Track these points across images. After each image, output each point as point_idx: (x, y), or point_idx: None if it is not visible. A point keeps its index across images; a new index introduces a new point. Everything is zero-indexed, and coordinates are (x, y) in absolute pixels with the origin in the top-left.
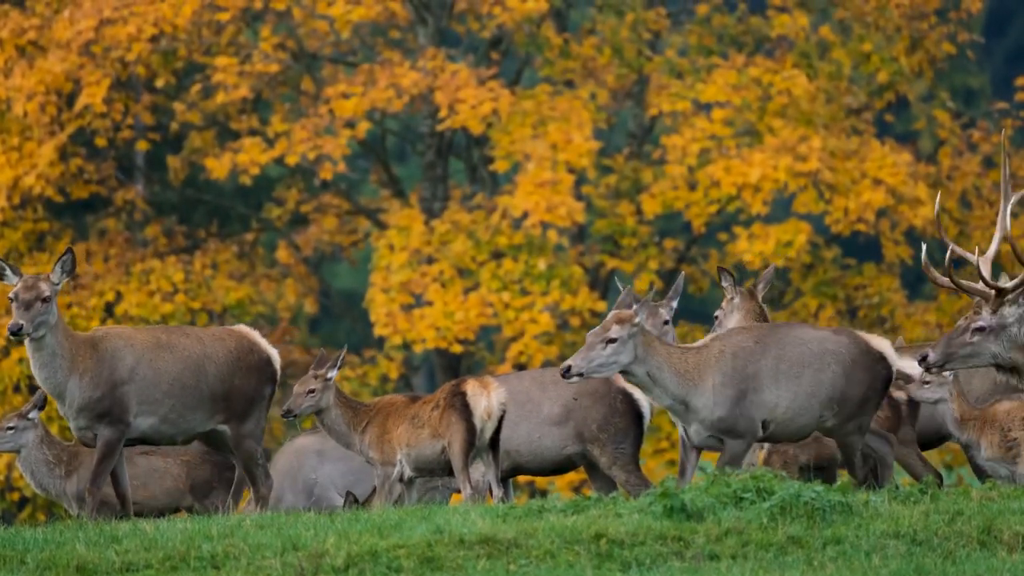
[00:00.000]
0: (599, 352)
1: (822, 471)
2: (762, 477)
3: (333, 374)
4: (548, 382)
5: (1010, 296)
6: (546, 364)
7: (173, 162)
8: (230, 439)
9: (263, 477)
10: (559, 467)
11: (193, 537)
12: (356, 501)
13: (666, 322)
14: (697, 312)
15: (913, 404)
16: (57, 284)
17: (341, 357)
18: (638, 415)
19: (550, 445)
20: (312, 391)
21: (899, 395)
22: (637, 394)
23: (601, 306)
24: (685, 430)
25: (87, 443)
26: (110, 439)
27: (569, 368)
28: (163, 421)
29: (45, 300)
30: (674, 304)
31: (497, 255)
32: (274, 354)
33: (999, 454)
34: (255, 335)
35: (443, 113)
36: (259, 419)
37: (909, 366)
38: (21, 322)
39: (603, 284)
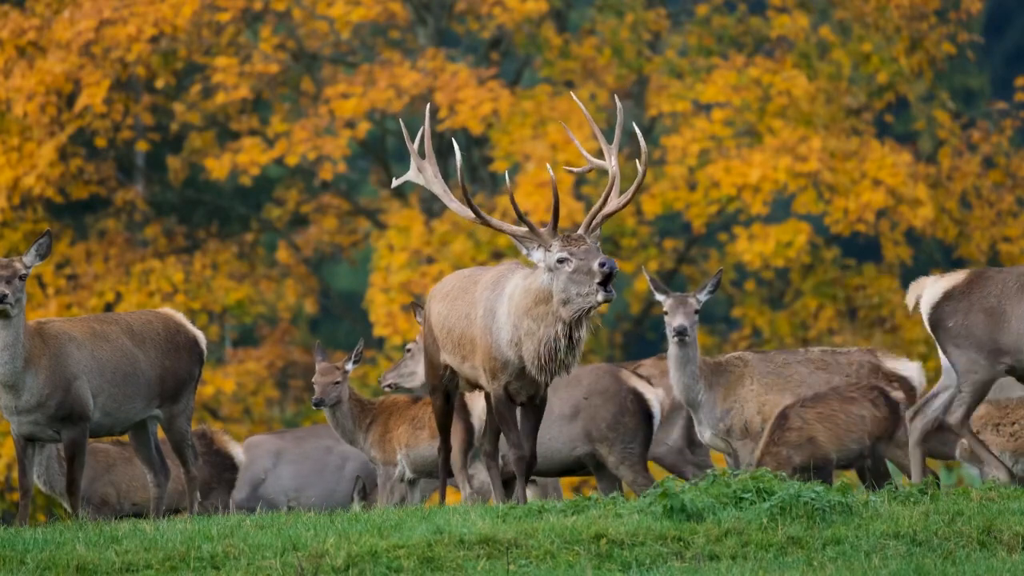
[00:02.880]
0: None
1: (819, 472)
2: (762, 477)
3: (351, 367)
4: (558, 382)
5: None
6: None
7: (173, 162)
8: (163, 421)
9: (193, 458)
10: (567, 468)
11: (193, 537)
12: (364, 489)
13: (696, 311)
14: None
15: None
16: (30, 266)
17: (358, 350)
18: (648, 415)
19: (559, 446)
20: (338, 382)
21: (897, 395)
22: (648, 394)
23: (602, 307)
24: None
25: (33, 439)
26: (76, 439)
27: None
28: (104, 414)
29: (22, 278)
30: (701, 297)
31: (497, 255)
32: (199, 335)
33: (967, 456)
34: (180, 316)
35: (443, 113)
36: (188, 399)
37: (904, 367)
38: (6, 291)
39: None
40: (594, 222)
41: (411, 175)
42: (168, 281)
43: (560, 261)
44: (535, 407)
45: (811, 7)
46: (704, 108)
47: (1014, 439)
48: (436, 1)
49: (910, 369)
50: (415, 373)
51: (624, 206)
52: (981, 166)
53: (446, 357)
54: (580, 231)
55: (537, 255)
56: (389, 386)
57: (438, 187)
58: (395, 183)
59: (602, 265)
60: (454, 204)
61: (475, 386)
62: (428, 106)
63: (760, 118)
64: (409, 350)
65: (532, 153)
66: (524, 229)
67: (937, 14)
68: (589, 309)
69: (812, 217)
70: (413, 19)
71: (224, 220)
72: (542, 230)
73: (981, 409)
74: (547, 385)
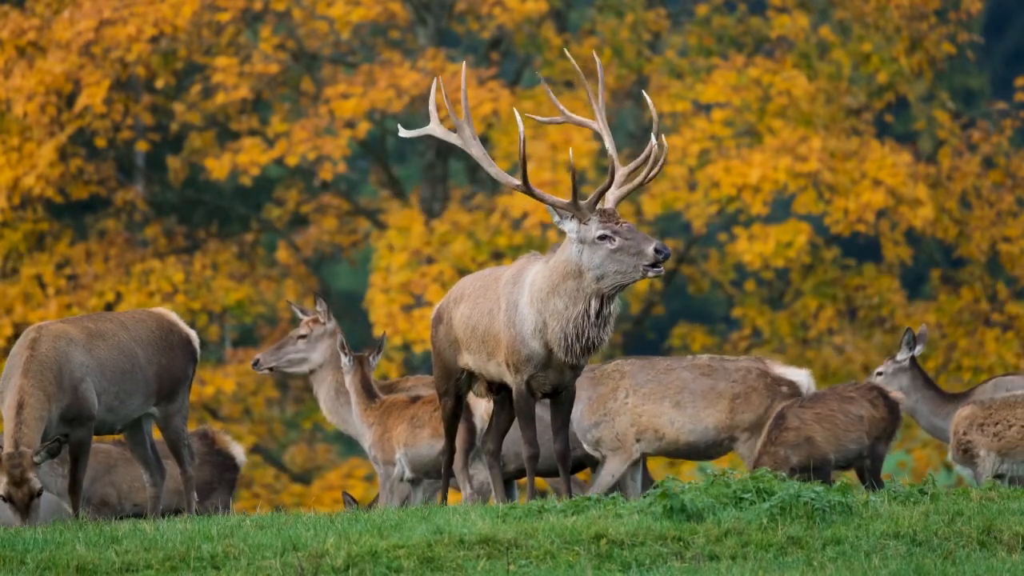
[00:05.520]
0: None
1: (817, 472)
2: (762, 477)
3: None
4: None
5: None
6: None
7: (173, 163)
8: (158, 420)
9: (189, 457)
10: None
11: (193, 537)
12: (353, 501)
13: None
14: (697, 312)
15: None
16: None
17: (381, 344)
18: None
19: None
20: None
21: (897, 396)
22: None
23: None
24: None
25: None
26: (83, 438)
27: None
28: (108, 410)
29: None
30: None
31: (497, 255)
32: (193, 334)
33: (958, 457)
34: (173, 316)
35: (443, 114)
36: (184, 399)
37: (792, 373)
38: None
39: None
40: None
41: (452, 138)
42: (168, 281)
43: (601, 238)
44: (561, 402)
45: (811, 7)
46: (704, 108)
47: (998, 439)
48: (436, 1)
49: (799, 375)
50: (307, 359)
51: (647, 180)
52: (981, 166)
53: (468, 359)
54: (609, 205)
55: (570, 226)
56: (270, 369)
57: (476, 149)
58: (414, 133)
59: (658, 252)
60: (493, 169)
61: (496, 387)
62: (464, 64)
63: (760, 118)
64: (304, 336)
65: (532, 153)
66: (564, 200)
67: (937, 14)
68: (627, 284)
69: (812, 217)
70: (413, 19)
71: (224, 220)
72: (582, 202)
73: (966, 409)
74: (574, 374)
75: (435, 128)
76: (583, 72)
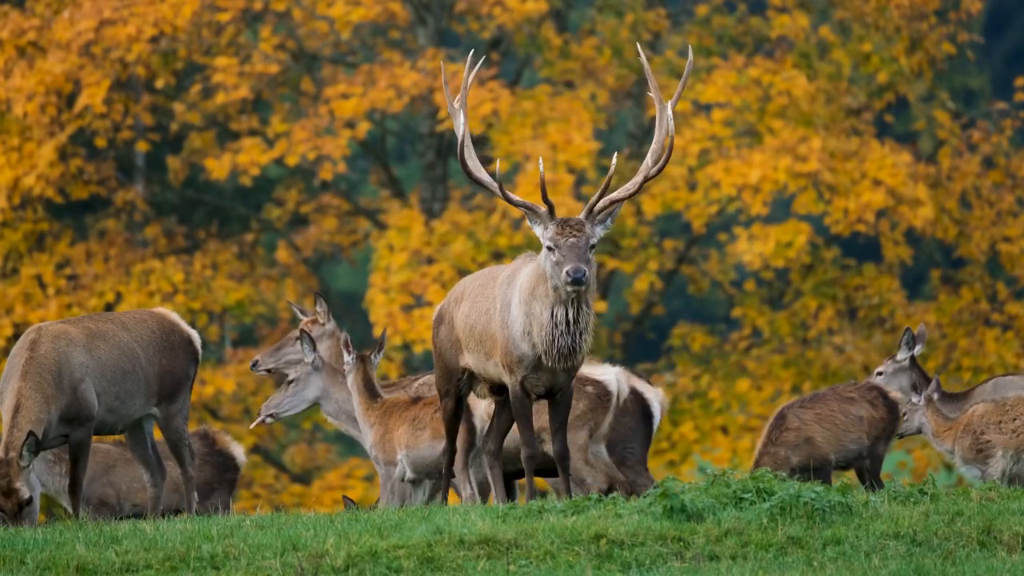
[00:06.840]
0: None
1: (817, 472)
2: (762, 478)
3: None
4: None
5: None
6: None
7: (173, 163)
8: (159, 420)
9: (190, 457)
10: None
11: (193, 537)
12: (353, 504)
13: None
14: (697, 312)
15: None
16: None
17: (382, 341)
18: (648, 415)
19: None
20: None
21: (896, 396)
22: (647, 393)
23: (601, 307)
24: None
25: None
26: (83, 439)
27: None
28: (108, 411)
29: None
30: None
31: (497, 255)
32: (194, 334)
33: (971, 456)
34: (174, 316)
35: (443, 114)
36: (185, 398)
37: (600, 372)
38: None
39: (603, 285)
40: (597, 206)
41: (452, 114)
42: (168, 281)
43: (548, 248)
44: (557, 402)
45: (811, 7)
46: (704, 108)
47: (1016, 436)
48: (436, 1)
49: (606, 375)
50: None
51: (633, 193)
52: (981, 166)
53: (468, 359)
54: (582, 215)
55: (538, 230)
56: (268, 371)
57: (461, 136)
58: (448, 97)
59: (568, 276)
60: (472, 162)
61: (497, 388)
62: (471, 54)
63: (760, 118)
64: (299, 336)
65: (532, 153)
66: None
67: (937, 14)
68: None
69: (812, 217)
70: (413, 19)
71: (224, 220)
72: (543, 210)
73: (980, 408)
74: (568, 376)
75: (452, 106)
76: (582, 71)
